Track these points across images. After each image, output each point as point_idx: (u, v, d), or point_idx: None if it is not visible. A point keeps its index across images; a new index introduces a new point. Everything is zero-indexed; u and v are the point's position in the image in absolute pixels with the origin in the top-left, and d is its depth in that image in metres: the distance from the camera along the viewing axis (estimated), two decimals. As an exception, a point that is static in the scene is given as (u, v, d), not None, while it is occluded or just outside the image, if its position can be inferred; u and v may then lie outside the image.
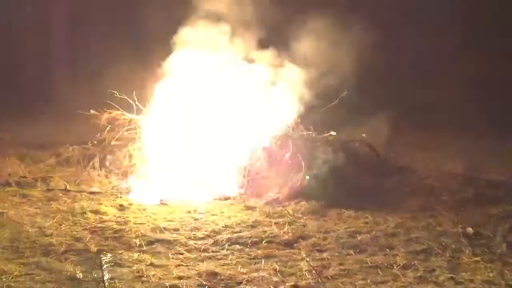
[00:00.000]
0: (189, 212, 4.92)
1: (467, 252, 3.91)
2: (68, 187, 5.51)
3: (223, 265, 3.69)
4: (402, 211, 4.91)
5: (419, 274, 3.55)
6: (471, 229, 4.37)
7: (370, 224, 4.56)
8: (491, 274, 3.56)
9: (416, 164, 6.55)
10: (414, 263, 3.72)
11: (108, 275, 3.35)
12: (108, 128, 6.65)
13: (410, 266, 3.68)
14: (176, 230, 4.38)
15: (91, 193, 5.34)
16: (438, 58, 11.55)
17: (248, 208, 5.06)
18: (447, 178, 5.80)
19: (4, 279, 3.36)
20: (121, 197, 5.29)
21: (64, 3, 12.21)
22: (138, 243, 4.04)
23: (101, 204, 5.00)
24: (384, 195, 5.42)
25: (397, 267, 3.66)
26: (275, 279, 3.48)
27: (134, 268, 3.58)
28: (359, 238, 4.22)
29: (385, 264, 3.71)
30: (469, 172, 6.08)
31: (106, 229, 4.34)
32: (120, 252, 3.87)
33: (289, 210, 4.94)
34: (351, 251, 3.95)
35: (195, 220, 4.68)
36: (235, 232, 4.34)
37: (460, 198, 5.26)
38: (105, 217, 4.65)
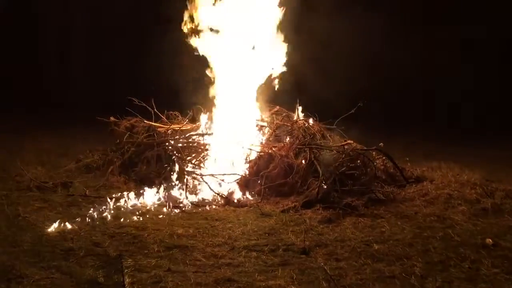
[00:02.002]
0: (206, 218, 4.96)
1: (486, 263, 3.87)
2: (87, 192, 5.59)
3: (240, 272, 3.71)
4: (419, 221, 4.88)
5: (437, 285, 3.53)
6: (490, 240, 4.32)
7: (387, 234, 4.54)
8: (511, 286, 3.52)
9: (434, 174, 6.51)
10: (432, 274, 3.70)
11: (128, 279, 3.39)
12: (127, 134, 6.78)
13: (428, 276, 3.66)
14: (193, 236, 4.41)
15: (110, 198, 5.39)
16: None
17: (265, 215, 5.07)
18: (465, 188, 5.75)
19: (25, 283, 3.43)
20: (140, 203, 5.34)
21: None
22: (156, 249, 4.08)
23: (119, 209, 5.07)
24: (401, 204, 5.40)
25: (414, 277, 3.64)
26: (292, 287, 3.48)
27: (153, 273, 3.62)
28: (376, 247, 4.20)
29: (403, 274, 3.69)
30: (487, 183, 6.02)
31: (124, 234, 4.40)
32: (138, 257, 3.92)
33: (306, 218, 4.94)
34: (368, 261, 3.94)
35: (212, 226, 4.70)
36: (252, 240, 4.36)
37: (479, 209, 5.21)
38: (123, 223, 4.71)
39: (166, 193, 5.54)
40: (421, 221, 4.87)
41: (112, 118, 7.05)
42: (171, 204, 5.25)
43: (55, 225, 4.50)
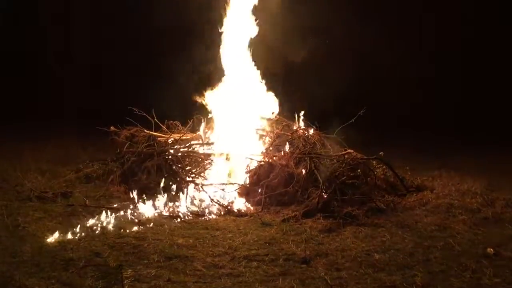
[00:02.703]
0: (206, 228, 4.94)
1: (487, 273, 3.86)
2: (87, 202, 5.58)
3: (241, 282, 3.70)
4: (420, 230, 4.87)
5: (438, 295, 3.52)
6: (491, 249, 4.31)
7: (387, 243, 4.53)
8: (512, 296, 3.52)
9: (434, 183, 6.50)
10: (433, 284, 3.68)
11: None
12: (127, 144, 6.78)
13: (429, 286, 3.65)
14: (194, 246, 4.40)
15: (110, 208, 5.38)
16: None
17: (265, 225, 5.06)
18: (466, 197, 5.74)
19: (25, 293, 3.42)
20: (140, 212, 5.33)
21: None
22: (156, 259, 4.07)
23: (119, 219, 5.06)
24: (402, 213, 5.39)
25: (415, 287, 3.63)
26: (292, 297, 3.48)
27: (153, 283, 3.61)
28: (376, 257, 4.19)
29: (404, 284, 3.67)
30: (488, 191, 6.01)
31: (124, 244, 4.39)
32: (138, 267, 3.90)
33: (306, 228, 4.93)
34: (369, 270, 3.92)
35: (212, 236, 4.69)
36: (252, 249, 4.35)
37: (480, 218, 5.20)
38: (123, 233, 4.70)
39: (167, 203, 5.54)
40: (422, 231, 4.86)
41: (112, 128, 7.06)
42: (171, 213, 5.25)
43: (55, 235, 4.49)
